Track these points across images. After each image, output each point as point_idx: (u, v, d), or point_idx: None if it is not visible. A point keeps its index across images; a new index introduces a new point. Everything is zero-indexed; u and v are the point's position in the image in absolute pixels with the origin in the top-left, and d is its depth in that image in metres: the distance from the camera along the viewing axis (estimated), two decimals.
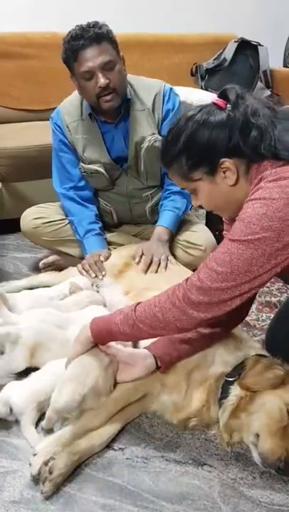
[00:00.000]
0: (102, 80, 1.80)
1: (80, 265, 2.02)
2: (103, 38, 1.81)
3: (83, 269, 1.98)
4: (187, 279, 1.20)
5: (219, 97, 1.22)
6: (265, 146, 1.15)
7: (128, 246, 2.10)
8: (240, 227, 1.11)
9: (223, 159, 1.17)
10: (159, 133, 2.00)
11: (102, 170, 2.04)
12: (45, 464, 1.23)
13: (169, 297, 1.21)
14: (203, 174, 1.21)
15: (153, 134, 1.99)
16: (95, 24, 1.82)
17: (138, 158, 2.02)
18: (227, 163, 1.17)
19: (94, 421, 1.33)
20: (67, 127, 2.04)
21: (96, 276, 1.94)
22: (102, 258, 1.99)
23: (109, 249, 2.10)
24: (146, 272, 1.89)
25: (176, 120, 1.24)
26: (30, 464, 1.25)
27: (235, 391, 1.31)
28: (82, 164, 2.07)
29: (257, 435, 1.26)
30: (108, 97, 1.85)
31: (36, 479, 1.23)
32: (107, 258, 1.99)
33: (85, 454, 1.30)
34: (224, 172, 1.19)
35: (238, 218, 1.15)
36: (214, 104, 1.21)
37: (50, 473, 1.21)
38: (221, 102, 1.20)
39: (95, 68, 1.80)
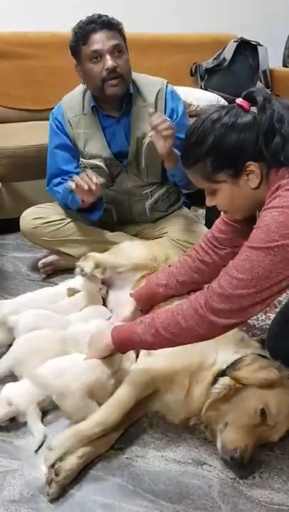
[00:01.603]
0: (110, 62, 1.82)
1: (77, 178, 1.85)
2: (114, 27, 1.85)
3: (75, 180, 1.84)
4: (208, 287, 1.21)
5: (244, 98, 1.22)
6: (286, 155, 1.16)
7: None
8: (260, 235, 1.14)
9: (249, 162, 1.18)
10: None
11: (102, 164, 2.04)
12: (52, 466, 1.23)
13: (192, 304, 1.22)
14: (228, 176, 1.21)
15: None
16: (107, 15, 1.86)
17: (139, 154, 2.03)
18: (252, 166, 1.19)
19: (113, 414, 1.31)
20: (69, 122, 2.04)
21: (89, 186, 1.81)
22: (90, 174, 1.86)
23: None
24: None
25: (200, 121, 1.23)
26: (44, 460, 1.24)
27: (224, 380, 1.32)
28: (83, 159, 2.07)
29: (226, 424, 1.29)
30: (114, 81, 1.87)
31: (50, 472, 1.23)
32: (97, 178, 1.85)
33: (90, 455, 1.29)
34: (248, 175, 1.20)
35: (256, 226, 1.17)
36: (239, 105, 1.21)
37: (57, 475, 1.22)
38: (245, 103, 1.20)
39: (104, 51, 1.82)
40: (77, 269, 1.81)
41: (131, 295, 1.65)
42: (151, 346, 1.31)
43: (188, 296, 1.57)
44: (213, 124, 1.20)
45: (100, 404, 1.34)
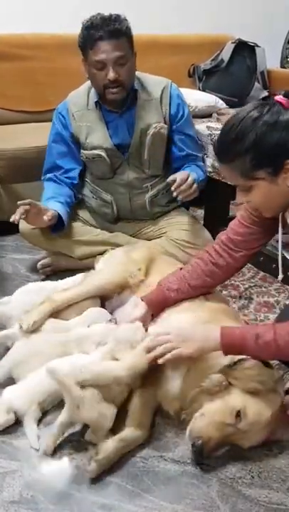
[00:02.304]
0: (111, 74, 1.89)
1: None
2: (122, 34, 1.89)
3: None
4: None
5: (284, 96, 1.23)
6: None
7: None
8: None
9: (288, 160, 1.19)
10: (165, 123, 2.08)
11: (103, 154, 2.07)
12: (93, 446, 1.27)
13: None
14: (266, 174, 1.22)
15: (158, 122, 2.05)
16: (117, 18, 1.89)
17: (142, 146, 2.07)
18: None
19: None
20: (73, 115, 2.10)
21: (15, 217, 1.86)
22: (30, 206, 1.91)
23: (75, 219, 2.20)
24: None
25: (239, 119, 1.23)
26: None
27: (217, 377, 1.31)
28: (84, 151, 2.11)
29: (202, 414, 1.29)
30: (114, 90, 1.95)
31: (91, 450, 1.27)
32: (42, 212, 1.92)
33: (130, 443, 1.32)
34: (286, 173, 1.20)
35: None
36: (278, 102, 1.22)
37: (97, 454, 1.24)
38: (285, 101, 1.21)
39: (108, 61, 1.88)
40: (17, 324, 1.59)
41: (142, 299, 1.63)
42: (259, 358, 1.31)
43: None
44: (254, 122, 1.20)
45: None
